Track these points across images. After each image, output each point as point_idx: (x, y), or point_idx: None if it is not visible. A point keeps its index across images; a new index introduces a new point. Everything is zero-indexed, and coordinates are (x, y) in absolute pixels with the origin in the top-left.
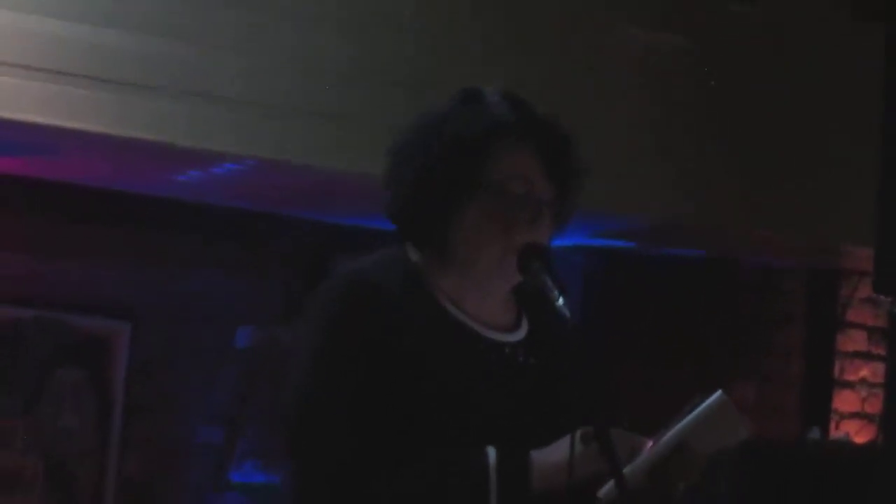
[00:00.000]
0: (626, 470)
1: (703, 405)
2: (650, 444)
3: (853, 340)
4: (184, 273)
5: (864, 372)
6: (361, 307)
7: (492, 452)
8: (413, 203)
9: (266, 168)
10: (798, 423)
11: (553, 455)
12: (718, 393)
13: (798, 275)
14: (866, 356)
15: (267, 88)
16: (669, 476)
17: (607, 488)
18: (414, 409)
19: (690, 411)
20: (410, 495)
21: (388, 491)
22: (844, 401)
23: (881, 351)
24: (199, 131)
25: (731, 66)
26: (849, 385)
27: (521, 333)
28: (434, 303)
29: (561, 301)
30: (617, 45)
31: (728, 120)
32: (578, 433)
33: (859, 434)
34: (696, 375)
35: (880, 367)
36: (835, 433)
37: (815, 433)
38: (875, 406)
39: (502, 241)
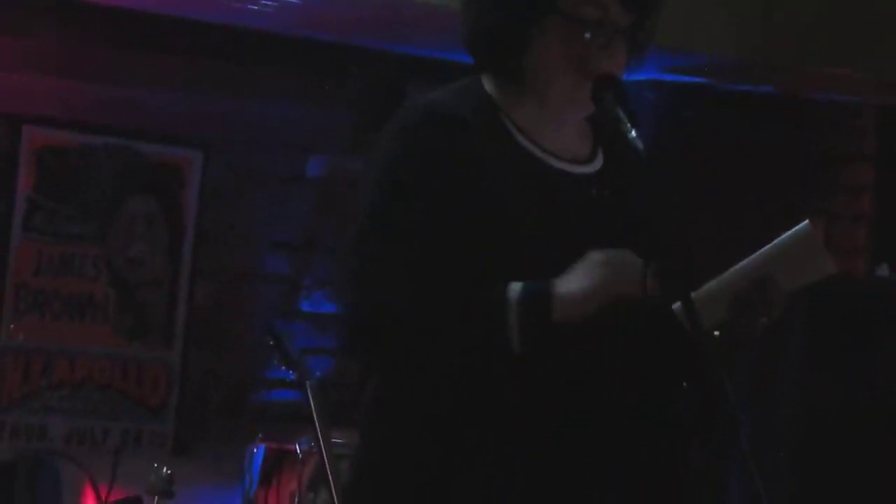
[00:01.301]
0: (705, 291)
1: (788, 234)
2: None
3: None
4: (255, 102)
5: None
6: (437, 135)
7: (516, 285)
8: (488, 30)
9: None
10: (867, 261)
11: (573, 282)
12: (804, 223)
13: (868, 112)
14: None
15: None
16: (752, 309)
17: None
18: (486, 242)
19: (775, 243)
20: (442, 332)
21: (425, 327)
22: None
23: None
24: None
25: None
26: None
27: (596, 165)
28: (508, 135)
29: (633, 134)
30: None
31: None
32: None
33: None
34: (765, 211)
35: None
36: None
37: (883, 270)
38: None
39: (575, 67)
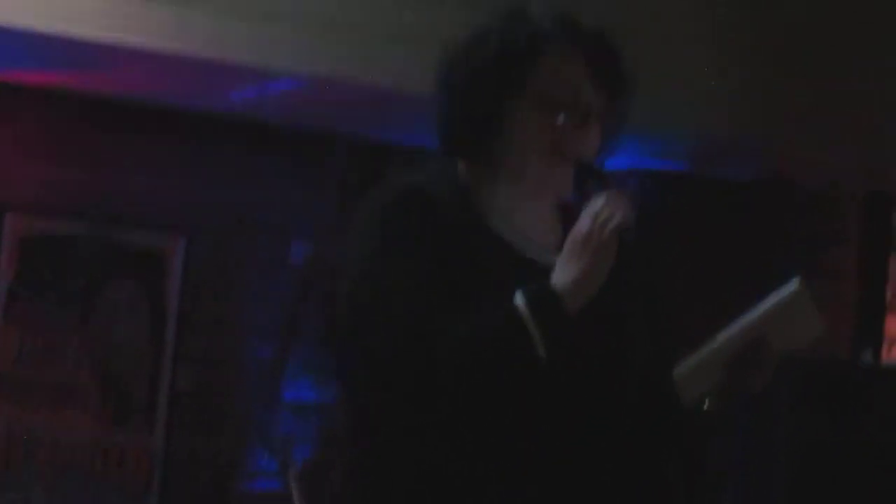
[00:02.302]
0: (700, 356)
1: (780, 293)
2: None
3: None
4: (239, 189)
5: None
6: (415, 213)
7: (515, 296)
8: (460, 116)
9: (322, 85)
10: (850, 346)
11: (567, 272)
12: (795, 280)
13: (851, 197)
14: None
15: (324, 5)
16: (743, 374)
17: (681, 367)
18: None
19: (766, 302)
20: (460, 350)
21: (444, 349)
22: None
23: None
24: (256, 48)
25: None
26: None
27: None
28: (481, 221)
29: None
30: None
31: (784, 39)
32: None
33: None
34: (750, 296)
35: None
36: (887, 357)
37: (867, 356)
38: None
39: (549, 149)
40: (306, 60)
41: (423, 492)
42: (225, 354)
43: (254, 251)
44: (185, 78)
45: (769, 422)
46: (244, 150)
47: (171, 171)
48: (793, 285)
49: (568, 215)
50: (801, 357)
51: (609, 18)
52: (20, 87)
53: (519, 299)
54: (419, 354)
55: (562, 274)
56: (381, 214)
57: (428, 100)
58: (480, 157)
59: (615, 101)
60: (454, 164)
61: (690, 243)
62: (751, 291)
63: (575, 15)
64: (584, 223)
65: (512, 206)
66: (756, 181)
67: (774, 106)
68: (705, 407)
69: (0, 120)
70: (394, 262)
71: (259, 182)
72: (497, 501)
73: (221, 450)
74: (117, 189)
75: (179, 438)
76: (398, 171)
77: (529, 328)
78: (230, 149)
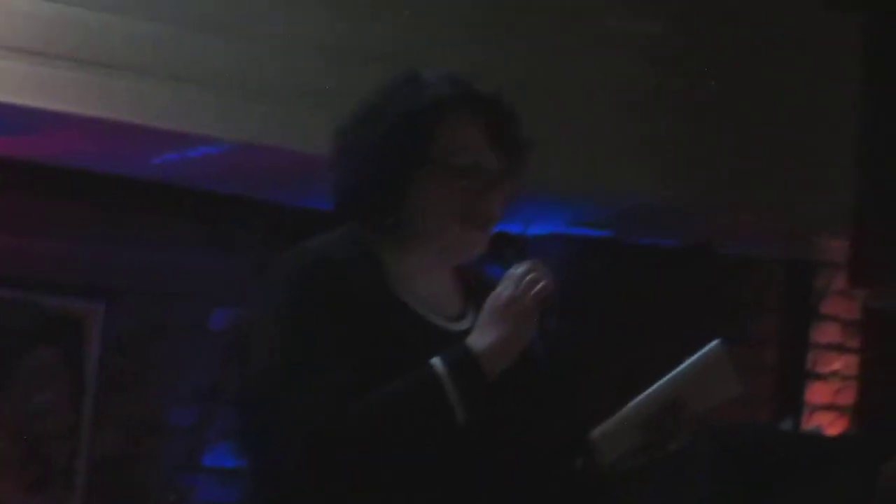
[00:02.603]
0: (618, 419)
1: (699, 355)
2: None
3: (827, 332)
4: (159, 254)
5: (837, 364)
6: (323, 279)
7: (433, 361)
8: (360, 186)
9: (244, 151)
10: (771, 412)
11: (487, 337)
12: (716, 342)
13: (774, 265)
14: (840, 348)
15: (246, 71)
16: (662, 434)
17: (600, 429)
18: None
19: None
20: (377, 418)
21: (356, 420)
22: (817, 392)
23: (855, 343)
24: (178, 113)
25: (709, 52)
26: (821, 377)
27: (467, 322)
28: (386, 286)
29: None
30: (596, 32)
31: (705, 108)
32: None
33: (831, 426)
34: (671, 362)
35: (853, 360)
36: (807, 424)
37: (787, 423)
38: (847, 398)
39: (453, 216)
40: (227, 126)
41: None
42: (145, 420)
43: (174, 316)
44: (107, 142)
45: (687, 488)
46: (165, 214)
47: (91, 236)
48: (712, 347)
49: (469, 281)
50: (720, 423)
51: (534, 85)
52: None
53: (438, 363)
54: (328, 428)
55: (482, 338)
56: (287, 287)
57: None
58: (384, 225)
59: (513, 163)
60: (356, 229)
61: (613, 308)
62: (673, 357)
63: (469, 78)
64: (506, 288)
65: (415, 273)
66: (679, 247)
67: (698, 174)
68: (621, 468)
69: None
70: (299, 335)
71: (180, 247)
72: None
73: None
74: (36, 254)
75: None
76: (305, 238)
77: (449, 393)
78: (151, 213)
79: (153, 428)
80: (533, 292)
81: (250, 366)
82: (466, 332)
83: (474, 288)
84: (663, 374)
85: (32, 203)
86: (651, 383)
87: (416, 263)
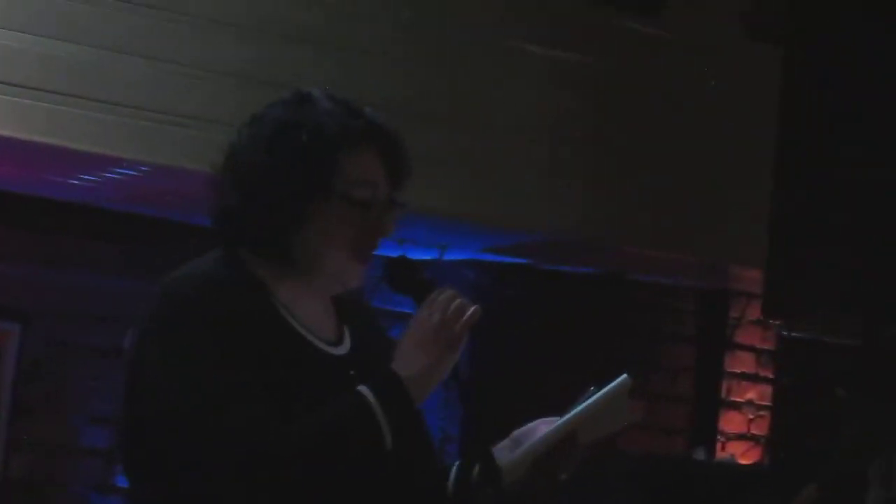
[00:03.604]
0: (516, 455)
1: (606, 390)
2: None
3: (741, 362)
4: (74, 275)
5: (751, 393)
6: (204, 303)
7: (360, 388)
8: (254, 212)
9: (160, 174)
10: (685, 442)
11: (414, 363)
12: (623, 377)
13: (688, 294)
14: (754, 378)
15: (164, 94)
16: (552, 465)
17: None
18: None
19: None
20: (308, 445)
21: (279, 446)
22: (731, 421)
23: (768, 373)
24: (96, 136)
25: (626, 82)
26: (736, 406)
27: (345, 347)
28: (270, 307)
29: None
30: (514, 61)
31: (622, 138)
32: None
33: (745, 455)
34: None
35: (767, 390)
36: (721, 454)
37: (700, 453)
38: (761, 428)
39: (351, 246)
40: (144, 148)
41: None
42: (59, 442)
43: (89, 338)
44: (24, 164)
45: None
46: (82, 236)
47: (8, 256)
48: (621, 381)
49: (341, 304)
50: (635, 453)
51: (454, 114)
52: None
53: (366, 390)
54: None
55: (409, 365)
56: (176, 313)
57: None
58: (274, 251)
59: (400, 189)
60: (233, 252)
61: (528, 335)
62: (587, 384)
63: (358, 103)
64: (432, 315)
65: (296, 296)
66: (595, 275)
67: (612, 204)
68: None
69: None
70: (197, 367)
71: (97, 268)
72: None
73: None
74: None
75: None
76: (189, 260)
77: (380, 421)
78: (68, 235)
79: (67, 449)
80: (463, 319)
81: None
82: (344, 358)
83: (347, 311)
84: (576, 401)
85: None
86: (564, 410)
87: (299, 288)
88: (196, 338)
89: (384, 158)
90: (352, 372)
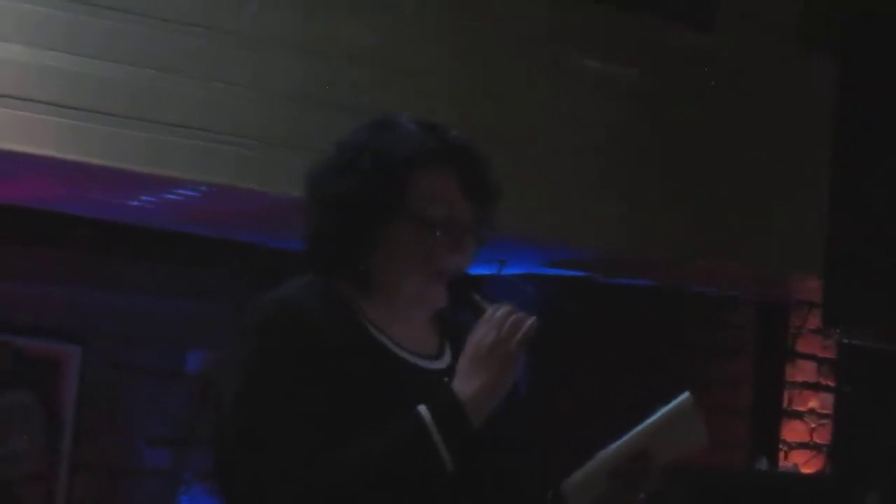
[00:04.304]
0: (587, 469)
1: (668, 408)
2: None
3: (802, 371)
4: (135, 296)
5: (812, 402)
6: (294, 328)
7: (419, 409)
8: (332, 235)
9: (219, 194)
10: (747, 453)
11: (472, 383)
12: (684, 395)
13: (748, 305)
14: (815, 387)
15: (222, 114)
16: (629, 483)
17: (570, 480)
18: (341, 434)
19: (654, 415)
20: (362, 469)
21: (341, 473)
22: (793, 431)
23: (830, 382)
24: (154, 157)
25: (681, 96)
26: (797, 415)
27: (444, 361)
28: (360, 328)
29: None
30: (569, 77)
31: (679, 151)
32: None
33: (807, 464)
34: (645, 404)
35: (829, 398)
36: (783, 463)
37: (762, 463)
38: (823, 437)
39: (425, 267)
40: (203, 169)
41: None
42: (121, 463)
43: (150, 359)
44: (83, 186)
45: None
46: (141, 257)
47: (68, 279)
48: (682, 399)
49: (445, 325)
50: (697, 465)
51: (514, 131)
52: None
53: (423, 411)
54: (307, 481)
55: (467, 384)
56: (253, 337)
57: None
58: (354, 275)
59: (485, 212)
60: (324, 277)
61: (588, 349)
62: (648, 399)
63: (443, 126)
64: (488, 332)
65: (388, 317)
66: (654, 288)
67: (672, 217)
68: None
69: None
70: (267, 389)
71: (156, 289)
72: None
73: None
74: (11, 296)
75: None
76: (283, 280)
77: (436, 442)
78: (127, 256)
79: (129, 470)
80: (518, 337)
81: (220, 420)
82: (444, 371)
83: (449, 327)
84: (638, 416)
85: (9, 246)
86: (626, 424)
87: (389, 308)
88: (272, 362)
89: (461, 178)
90: (446, 379)
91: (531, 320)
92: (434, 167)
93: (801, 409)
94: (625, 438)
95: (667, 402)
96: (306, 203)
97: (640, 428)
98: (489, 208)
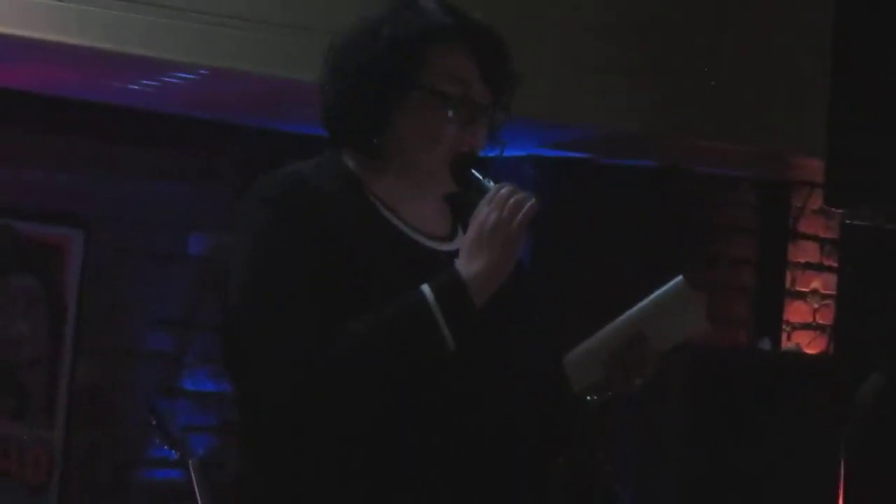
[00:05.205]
0: (581, 350)
1: (661, 290)
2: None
3: (805, 251)
4: (136, 180)
5: (815, 283)
6: (302, 202)
7: (422, 288)
8: (349, 106)
9: (219, 77)
10: (749, 333)
11: (475, 262)
12: (678, 279)
13: (749, 185)
14: (818, 267)
15: None
16: (627, 369)
17: (569, 358)
18: (348, 311)
19: (648, 299)
20: (365, 344)
21: (344, 346)
22: (796, 311)
23: (832, 262)
24: (153, 40)
25: None
26: (800, 296)
27: (456, 244)
28: (370, 207)
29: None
30: None
31: (678, 29)
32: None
33: (810, 345)
34: (647, 285)
35: (832, 279)
36: (786, 344)
37: (765, 343)
38: (826, 317)
39: (437, 142)
40: (204, 52)
41: (311, 487)
42: (124, 347)
43: (152, 243)
44: (84, 70)
45: (664, 410)
46: (142, 141)
47: (69, 164)
48: (675, 283)
49: (457, 205)
50: (698, 345)
51: (508, 10)
52: None
53: (426, 290)
54: (317, 353)
55: (469, 264)
56: (262, 209)
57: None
58: (368, 148)
59: (501, 96)
60: (337, 153)
61: (588, 230)
62: (649, 278)
63: (463, 8)
64: (490, 213)
65: (400, 197)
66: (654, 168)
67: (672, 96)
68: (588, 400)
69: None
70: (278, 257)
71: (157, 174)
72: (387, 496)
73: (121, 442)
74: (13, 182)
75: (79, 432)
76: (283, 162)
77: (438, 320)
78: (128, 141)
79: (132, 354)
80: (519, 216)
81: (230, 291)
82: (452, 253)
83: (463, 210)
84: (639, 296)
85: (10, 131)
86: (627, 305)
87: (401, 186)
88: (284, 234)
89: (479, 59)
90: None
91: (532, 200)
92: (452, 46)
93: (803, 289)
94: (619, 321)
95: (661, 284)
96: (325, 74)
97: (631, 311)
98: (506, 93)
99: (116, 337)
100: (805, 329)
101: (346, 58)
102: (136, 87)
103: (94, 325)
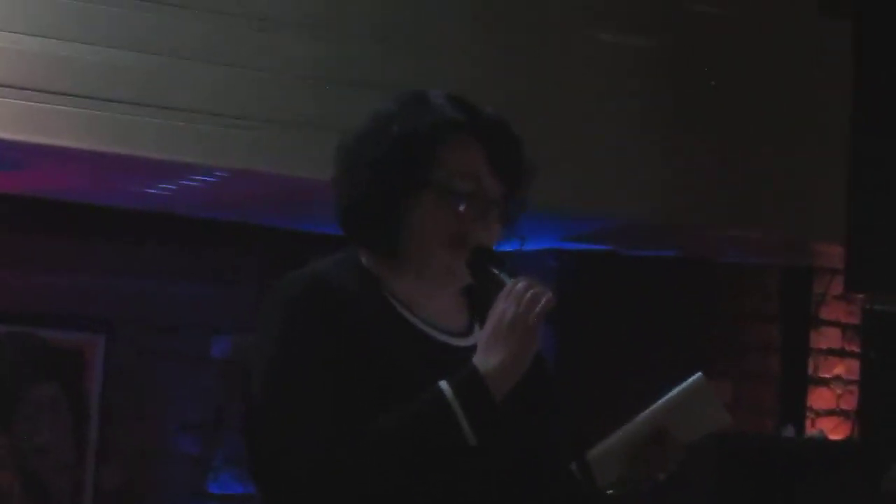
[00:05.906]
0: (603, 448)
1: (681, 387)
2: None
3: (827, 337)
4: (157, 284)
5: (838, 369)
6: (323, 302)
7: (440, 384)
8: (362, 205)
9: (236, 178)
10: (773, 420)
11: (493, 357)
12: (697, 375)
13: (771, 273)
14: (840, 353)
15: (235, 98)
16: (649, 465)
17: (593, 454)
18: (368, 409)
19: (669, 394)
20: (387, 441)
21: (366, 442)
22: (819, 398)
23: (855, 348)
24: (168, 144)
25: (699, 65)
26: (823, 382)
27: (473, 339)
28: (387, 305)
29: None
30: (585, 47)
31: (698, 120)
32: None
33: (834, 431)
34: (672, 376)
35: (854, 364)
36: (810, 430)
37: (789, 430)
38: (850, 403)
39: (450, 239)
40: (220, 154)
41: None
42: (149, 450)
43: (174, 346)
44: (101, 175)
45: (691, 499)
46: (162, 244)
47: (89, 269)
48: (694, 379)
49: (474, 299)
50: (725, 433)
51: (531, 102)
52: None
53: (445, 387)
54: (338, 454)
55: (487, 358)
56: (283, 309)
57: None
58: (382, 246)
59: (514, 190)
60: (355, 251)
61: (612, 321)
62: (675, 369)
63: (473, 102)
64: (507, 307)
65: (417, 293)
66: (678, 259)
67: (692, 186)
68: (609, 494)
69: None
70: (299, 356)
71: (178, 276)
72: None
73: None
74: (34, 288)
75: None
76: (304, 262)
77: (458, 416)
78: (148, 244)
79: (157, 457)
80: (536, 310)
81: (251, 391)
82: (472, 349)
83: (479, 305)
84: (666, 387)
85: (29, 237)
86: (654, 396)
87: (417, 283)
88: (303, 335)
89: (490, 153)
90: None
91: (549, 294)
92: (462, 140)
93: (826, 375)
94: (639, 418)
95: (685, 376)
96: (337, 172)
97: (652, 408)
98: (520, 186)
99: (141, 440)
100: (829, 415)
101: (356, 156)
102: (154, 191)
103: (119, 429)
